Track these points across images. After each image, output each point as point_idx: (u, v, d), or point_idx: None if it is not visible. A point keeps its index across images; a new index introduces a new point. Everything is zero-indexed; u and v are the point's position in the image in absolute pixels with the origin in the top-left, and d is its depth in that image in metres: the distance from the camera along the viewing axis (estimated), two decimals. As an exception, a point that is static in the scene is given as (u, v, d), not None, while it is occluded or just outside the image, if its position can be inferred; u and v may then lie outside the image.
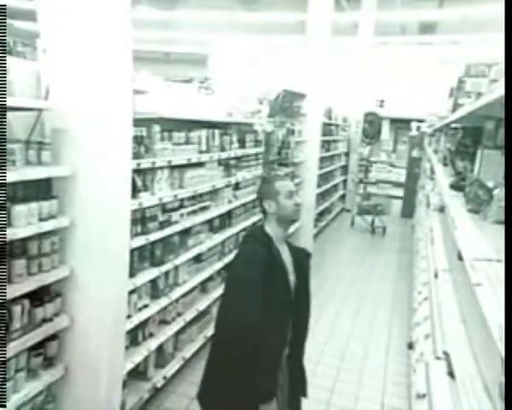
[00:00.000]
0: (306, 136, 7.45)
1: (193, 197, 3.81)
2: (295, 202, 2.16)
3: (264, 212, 2.20)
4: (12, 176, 2.07)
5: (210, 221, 4.23)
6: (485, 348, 1.73)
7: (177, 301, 3.69)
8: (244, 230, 5.04)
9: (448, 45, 11.71)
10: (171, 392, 3.57)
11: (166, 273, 3.47)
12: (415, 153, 11.02)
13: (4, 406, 2.15)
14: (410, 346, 3.74)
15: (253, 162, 5.16)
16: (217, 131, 4.16)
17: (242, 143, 4.81)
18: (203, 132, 3.95)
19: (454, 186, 2.81)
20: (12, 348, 2.19)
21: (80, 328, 2.59)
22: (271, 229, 2.16)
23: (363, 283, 6.50)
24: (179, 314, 3.78)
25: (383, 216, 9.76)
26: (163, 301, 3.43)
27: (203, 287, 4.31)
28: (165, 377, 3.52)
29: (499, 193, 1.91)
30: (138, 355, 3.15)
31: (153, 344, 3.32)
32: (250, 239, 2.15)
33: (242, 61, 13.14)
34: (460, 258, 1.88)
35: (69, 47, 2.39)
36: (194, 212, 3.84)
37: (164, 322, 3.60)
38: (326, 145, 9.15)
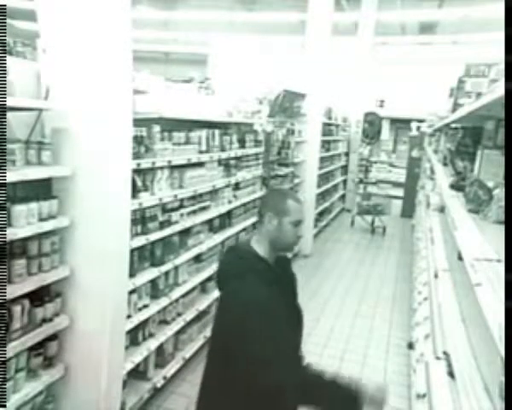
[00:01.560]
0: (306, 136, 7.46)
1: (193, 197, 3.81)
2: (298, 234, 1.81)
3: (258, 223, 1.85)
4: (12, 176, 2.07)
5: (210, 221, 4.23)
6: (485, 348, 1.73)
7: (177, 301, 3.69)
8: (244, 230, 5.04)
9: (448, 45, 11.70)
10: (171, 392, 3.57)
11: (166, 273, 3.47)
12: (415, 153, 11.02)
13: (4, 406, 2.15)
14: (410, 346, 3.74)
15: (253, 162, 5.16)
16: (217, 131, 4.16)
17: (242, 143, 4.81)
18: (203, 132, 3.95)
19: (454, 186, 2.81)
20: (12, 348, 2.19)
21: (80, 328, 2.59)
22: (263, 250, 1.79)
23: (363, 282, 6.50)
24: (179, 314, 3.78)
25: (383, 216, 9.76)
26: (163, 301, 3.43)
27: (203, 287, 4.31)
28: (165, 377, 3.52)
29: (499, 193, 1.91)
30: (138, 355, 3.15)
31: (153, 344, 3.32)
32: (250, 275, 1.70)
33: (242, 61, 13.13)
34: (460, 258, 1.88)
35: (69, 47, 2.39)
36: (194, 212, 3.84)
37: (164, 322, 3.59)
38: (326, 145, 9.15)
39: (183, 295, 3.79)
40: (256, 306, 1.62)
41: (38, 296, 2.39)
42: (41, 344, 2.43)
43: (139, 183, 3.03)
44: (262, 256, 1.78)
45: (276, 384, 1.58)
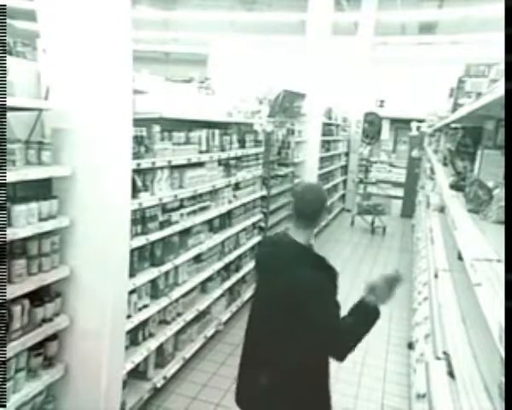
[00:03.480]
0: (306, 136, 7.46)
1: (193, 197, 3.81)
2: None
3: (303, 219, 2.08)
4: (12, 176, 2.07)
5: (210, 221, 4.23)
6: (485, 348, 1.73)
7: (177, 301, 3.69)
8: (244, 230, 5.04)
9: (448, 45, 11.69)
10: (171, 392, 3.57)
11: (166, 273, 3.47)
12: (415, 153, 11.01)
13: (4, 406, 2.15)
14: (410, 346, 3.74)
15: (253, 162, 5.16)
16: (217, 131, 4.16)
17: (242, 143, 4.81)
18: (203, 132, 3.95)
19: (454, 186, 2.81)
20: (12, 348, 2.19)
21: (80, 328, 2.59)
22: (306, 237, 2.07)
23: (362, 282, 6.49)
24: (179, 314, 3.78)
25: (383, 216, 9.75)
26: (163, 301, 3.43)
27: (203, 287, 4.31)
28: (165, 377, 3.52)
29: (499, 193, 1.91)
30: (138, 355, 3.15)
31: (153, 344, 3.32)
32: (303, 265, 1.98)
33: (242, 61, 13.13)
34: (460, 258, 1.88)
35: (69, 47, 2.39)
36: (194, 212, 3.84)
37: (164, 322, 3.59)
38: (326, 145, 9.15)
39: (183, 295, 3.79)
40: (316, 287, 1.99)
41: (38, 296, 2.39)
42: (41, 344, 2.43)
43: (139, 183, 3.03)
44: (304, 245, 2.06)
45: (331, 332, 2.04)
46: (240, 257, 5.00)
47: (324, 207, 2.11)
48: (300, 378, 2.01)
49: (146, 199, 3.08)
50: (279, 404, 2.02)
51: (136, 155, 2.91)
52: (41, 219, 2.31)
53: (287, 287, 1.97)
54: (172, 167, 3.44)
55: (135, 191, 2.94)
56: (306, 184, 2.26)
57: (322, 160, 8.49)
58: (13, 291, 2.16)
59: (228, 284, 4.72)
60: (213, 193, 4.23)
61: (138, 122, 2.85)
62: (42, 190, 2.42)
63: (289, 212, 6.56)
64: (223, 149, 4.31)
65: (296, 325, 1.97)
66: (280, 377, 2.01)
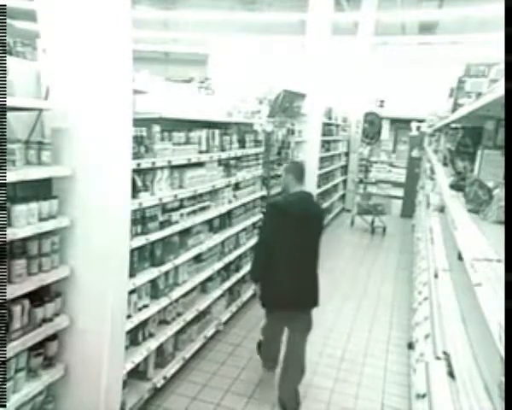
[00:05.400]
0: (306, 136, 7.46)
1: (193, 197, 3.81)
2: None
3: (301, 180, 3.48)
4: (12, 176, 2.07)
5: (210, 221, 4.23)
6: (485, 348, 1.73)
7: (177, 301, 3.69)
8: (244, 230, 5.04)
9: (448, 45, 11.69)
10: (171, 392, 3.57)
11: (166, 273, 3.47)
12: (415, 153, 11.02)
13: (4, 406, 2.16)
14: (410, 346, 3.74)
15: (253, 162, 5.16)
16: (217, 131, 4.16)
17: (242, 143, 4.81)
18: (203, 132, 3.95)
19: (454, 186, 2.82)
20: (12, 348, 2.19)
21: (80, 328, 2.59)
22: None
23: (363, 283, 6.50)
24: (179, 314, 3.78)
25: (383, 216, 9.76)
26: (163, 301, 3.43)
27: (203, 287, 4.31)
28: (165, 377, 3.52)
29: (499, 193, 1.92)
30: (138, 355, 3.15)
31: (153, 344, 3.32)
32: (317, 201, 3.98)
33: (242, 61, 13.13)
34: (460, 258, 1.88)
35: (69, 47, 2.39)
36: (194, 212, 3.84)
37: (164, 322, 3.60)
38: (326, 145, 9.15)
39: (183, 295, 3.79)
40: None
41: (38, 296, 2.39)
42: (41, 344, 2.43)
43: (139, 183, 3.03)
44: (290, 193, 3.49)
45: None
46: (240, 257, 5.00)
47: (304, 170, 3.56)
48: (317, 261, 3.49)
49: (146, 199, 3.08)
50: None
51: (136, 155, 2.91)
52: (41, 219, 2.31)
53: (318, 214, 3.55)
54: (172, 167, 3.44)
55: (135, 191, 2.94)
56: (293, 162, 3.95)
57: (322, 160, 8.50)
58: (13, 291, 2.16)
59: (228, 284, 4.72)
60: (213, 193, 4.23)
61: (138, 122, 2.85)
62: (42, 190, 2.42)
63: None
64: (223, 149, 4.31)
65: (320, 230, 3.50)
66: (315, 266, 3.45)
